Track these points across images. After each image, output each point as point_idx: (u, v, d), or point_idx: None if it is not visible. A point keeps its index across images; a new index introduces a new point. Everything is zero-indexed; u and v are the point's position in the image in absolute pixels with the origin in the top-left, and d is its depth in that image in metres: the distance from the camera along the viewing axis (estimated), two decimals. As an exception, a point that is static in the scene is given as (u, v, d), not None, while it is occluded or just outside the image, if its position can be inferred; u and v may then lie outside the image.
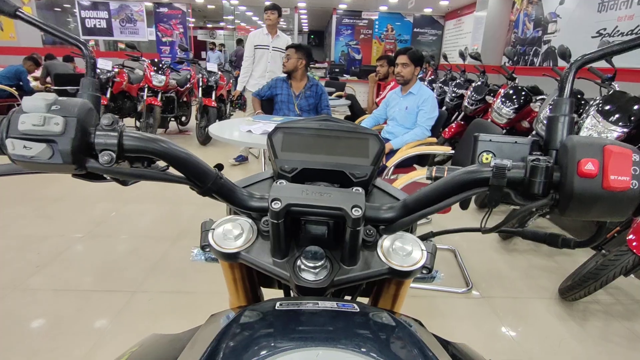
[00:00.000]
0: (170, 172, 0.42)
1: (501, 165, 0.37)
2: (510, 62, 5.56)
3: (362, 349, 0.27)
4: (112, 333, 1.60)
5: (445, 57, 5.77)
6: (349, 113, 4.96)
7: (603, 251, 1.82)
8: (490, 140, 0.43)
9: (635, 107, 2.12)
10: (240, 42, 10.51)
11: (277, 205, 0.39)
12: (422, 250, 0.43)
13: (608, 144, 0.35)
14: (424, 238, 0.47)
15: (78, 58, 6.73)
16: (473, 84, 4.05)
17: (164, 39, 10.02)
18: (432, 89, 4.99)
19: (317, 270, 0.41)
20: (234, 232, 0.43)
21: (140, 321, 1.68)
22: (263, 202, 0.44)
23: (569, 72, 0.42)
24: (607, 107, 2.18)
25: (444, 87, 5.06)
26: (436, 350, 0.30)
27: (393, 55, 3.22)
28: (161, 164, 0.42)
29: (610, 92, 2.24)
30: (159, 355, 0.38)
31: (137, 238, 2.42)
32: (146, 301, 1.81)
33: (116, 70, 5.13)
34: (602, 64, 1.72)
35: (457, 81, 4.62)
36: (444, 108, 4.43)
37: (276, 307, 0.34)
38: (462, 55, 4.64)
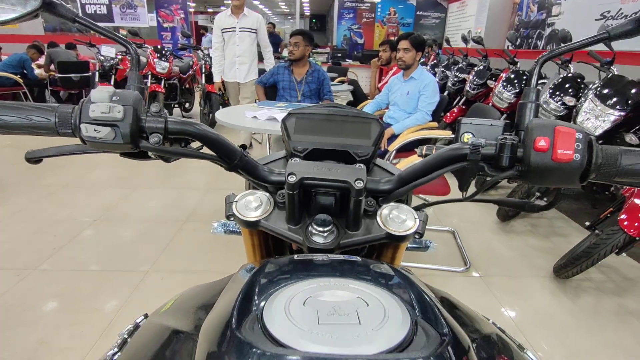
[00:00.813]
0: (203, 151, 0.49)
1: (477, 143, 0.44)
2: (513, 46, 5.53)
3: (365, 280, 0.35)
4: (128, 309, 1.70)
5: (448, 41, 5.76)
6: (352, 98, 4.99)
7: (597, 231, 1.89)
8: (471, 123, 0.50)
9: (633, 90, 2.16)
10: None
11: (292, 179, 0.46)
12: (415, 218, 0.50)
13: (558, 125, 0.42)
14: (417, 209, 0.54)
15: (80, 45, 6.75)
16: (475, 69, 4.06)
17: (165, 25, 9.96)
18: (434, 74, 5.00)
19: (326, 234, 0.49)
20: (254, 204, 0.50)
21: (154, 298, 1.78)
22: (281, 176, 0.51)
23: (535, 65, 0.49)
24: (605, 91, 2.22)
25: (446, 72, 5.07)
26: (425, 289, 0.37)
27: (395, 40, 3.24)
28: (195, 144, 0.49)
29: (608, 76, 2.28)
30: (201, 298, 0.46)
31: (147, 222, 2.51)
32: (159, 280, 1.91)
33: (119, 57, 5.16)
34: (600, 47, 1.77)
35: (459, 65, 4.62)
36: (445, 92, 4.44)
37: (295, 258, 0.42)
38: (464, 39, 4.64)
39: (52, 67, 5.60)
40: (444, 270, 2.12)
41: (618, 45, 2.30)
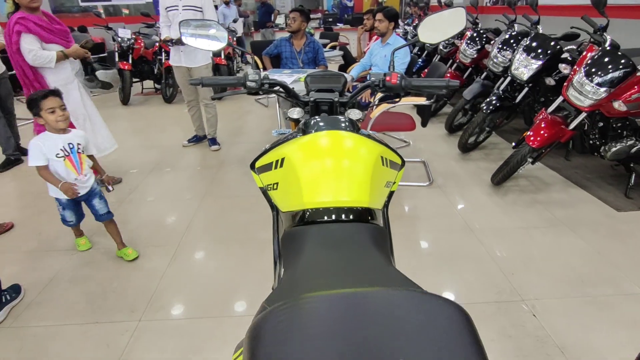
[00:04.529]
0: (280, 93, 1.25)
1: (378, 77, 1.20)
2: (490, 2, 6.08)
3: (344, 128, 1.12)
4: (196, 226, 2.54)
5: (440, 2, 6.26)
6: (343, 62, 5.64)
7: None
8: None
9: (551, 44, 2.88)
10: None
11: (312, 97, 1.22)
12: (359, 112, 1.27)
13: (396, 71, 1.17)
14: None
15: (90, 27, 7.29)
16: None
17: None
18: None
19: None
20: (297, 111, 1.27)
21: (213, 218, 2.61)
22: (306, 99, 1.28)
23: (392, 55, 1.24)
24: (531, 45, 2.93)
25: None
26: (365, 133, 1.15)
27: (374, 11, 3.89)
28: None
29: (533, 35, 2.98)
30: None
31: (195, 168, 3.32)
32: (213, 202, 2.74)
33: (134, 38, 5.75)
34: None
35: None
36: (437, 58, 4.89)
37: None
38: (439, 3, 5.21)
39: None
40: (414, 185, 2.94)
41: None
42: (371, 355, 0.40)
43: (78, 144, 1.94)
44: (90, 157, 2.08)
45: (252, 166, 1.09)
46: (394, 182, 1.09)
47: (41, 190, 2.95)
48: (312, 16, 9.77)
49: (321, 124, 1.01)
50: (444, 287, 1.91)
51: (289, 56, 3.75)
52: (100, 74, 2.72)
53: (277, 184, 0.98)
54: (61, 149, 1.87)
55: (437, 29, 1.16)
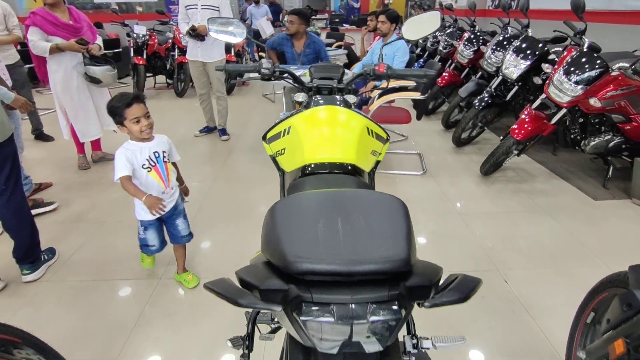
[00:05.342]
0: (288, 80, 1.49)
1: (370, 67, 1.44)
2: (492, 4, 6.30)
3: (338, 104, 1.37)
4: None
5: (441, 5, 6.48)
6: (347, 61, 5.88)
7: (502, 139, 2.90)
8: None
9: (538, 46, 3.11)
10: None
11: (315, 83, 1.46)
12: (353, 97, 1.51)
13: (383, 63, 1.41)
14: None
15: (107, 24, 7.59)
16: (446, 30, 4.93)
17: (173, -1, 10.62)
18: (427, 38, 5.51)
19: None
20: (301, 95, 1.51)
21: (224, 196, 2.87)
22: (310, 84, 1.52)
23: (381, 50, 1.49)
24: (520, 47, 3.16)
25: (438, 36, 5.70)
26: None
27: (378, 13, 4.13)
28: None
29: (523, 37, 3.20)
30: None
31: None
32: (223, 184, 3.00)
33: (149, 34, 6.03)
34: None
35: (449, 31, 5.16)
36: (437, 57, 5.08)
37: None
38: (441, 5, 5.43)
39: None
40: (409, 174, 3.17)
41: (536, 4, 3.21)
42: (341, 211, 0.67)
43: (163, 151, 1.70)
44: (174, 164, 1.81)
45: (264, 137, 1.34)
46: (380, 153, 1.34)
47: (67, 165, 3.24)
48: (319, 16, 10.07)
49: (320, 101, 1.26)
50: (428, 257, 2.14)
51: (290, 57, 3.82)
52: (88, 70, 2.97)
53: (284, 149, 1.23)
54: (147, 159, 1.65)
55: (417, 27, 1.41)
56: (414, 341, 0.84)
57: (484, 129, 3.70)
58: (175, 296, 1.87)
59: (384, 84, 3.58)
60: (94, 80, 2.99)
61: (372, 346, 0.56)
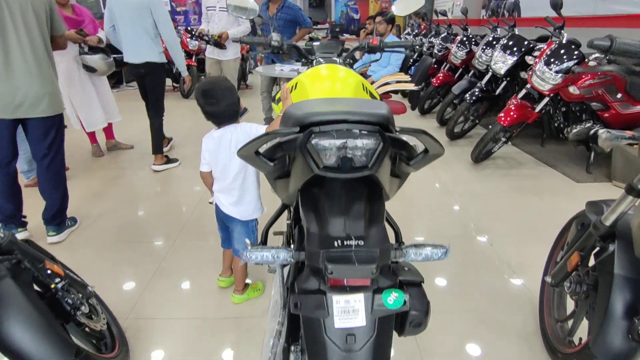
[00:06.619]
0: (293, 53, 1.70)
1: (365, 42, 1.65)
2: (488, 14, 6.61)
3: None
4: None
5: (436, 13, 6.77)
6: (347, 64, 6.14)
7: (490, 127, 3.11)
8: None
9: (524, 43, 3.35)
10: None
11: (317, 57, 1.68)
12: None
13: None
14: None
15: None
16: (440, 35, 5.20)
17: (178, 9, 11.02)
18: (423, 42, 5.85)
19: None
20: (305, 69, 1.72)
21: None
22: (313, 57, 1.73)
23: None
24: (508, 44, 3.40)
25: (433, 41, 5.99)
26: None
27: (374, 15, 4.40)
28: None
29: (509, 35, 3.45)
30: None
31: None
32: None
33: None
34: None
35: (443, 35, 5.47)
36: (433, 60, 5.34)
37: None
38: (436, 13, 5.72)
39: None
40: (404, 162, 3.37)
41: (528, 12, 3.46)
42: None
43: None
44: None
45: (273, 99, 1.55)
46: None
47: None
48: (320, 27, 10.45)
49: (322, 60, 1.47)
50: (422, 226, 2.34)
51: (265, 21, 3.87)
52: (83, 59, 3.12)
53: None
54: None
55: (406, 5, 1.64)
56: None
57: (477, 123, 3.91)
58: (189, 255, 2.05)
59: (382, 79, 3.84)
60: (89, 69, 3.11)
61: (360, 160, 0.75)
